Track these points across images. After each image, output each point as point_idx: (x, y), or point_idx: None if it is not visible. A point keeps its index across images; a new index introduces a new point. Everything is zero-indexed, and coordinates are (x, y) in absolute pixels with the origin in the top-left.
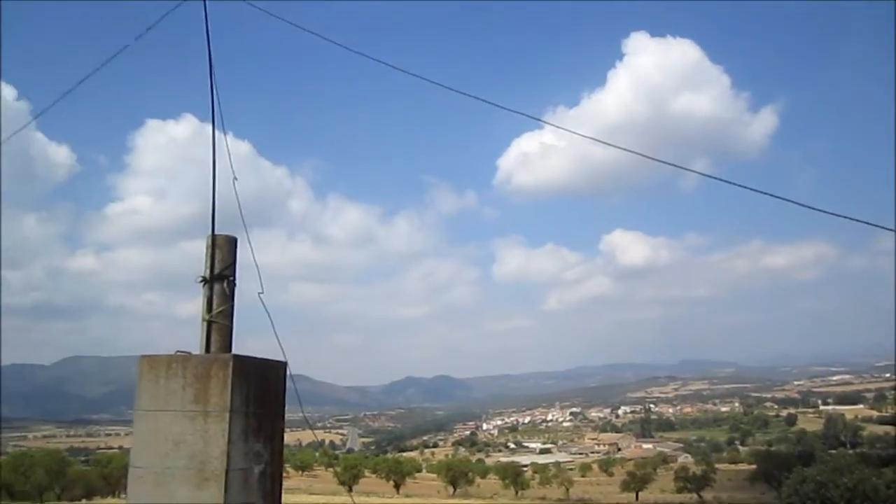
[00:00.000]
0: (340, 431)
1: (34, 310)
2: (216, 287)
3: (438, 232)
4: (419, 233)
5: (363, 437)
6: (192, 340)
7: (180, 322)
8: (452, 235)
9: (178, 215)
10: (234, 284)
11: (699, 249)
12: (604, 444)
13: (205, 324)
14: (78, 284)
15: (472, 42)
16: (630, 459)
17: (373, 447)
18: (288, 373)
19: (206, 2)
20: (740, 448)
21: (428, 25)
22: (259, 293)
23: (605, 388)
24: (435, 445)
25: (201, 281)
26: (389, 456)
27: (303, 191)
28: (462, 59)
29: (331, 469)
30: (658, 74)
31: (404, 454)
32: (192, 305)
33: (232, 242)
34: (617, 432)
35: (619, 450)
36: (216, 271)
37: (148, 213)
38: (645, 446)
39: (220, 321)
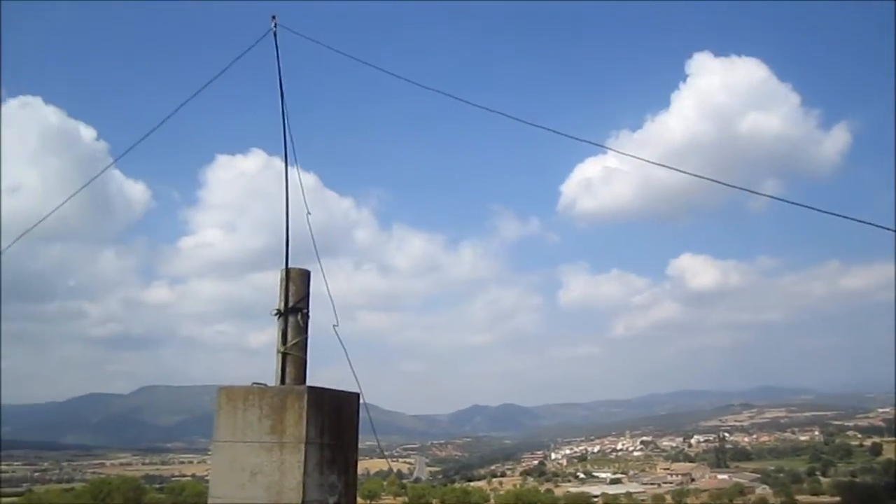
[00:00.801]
0: (407, 460)
1: (111, 341)
2: (290, 319)
3: (502, 259)
4: (483, 260)
5: (430, 466)
6: (263, 370)
7: (251, 352)
8: (516, 262)
9: (247, 248)
10: (308, 317)
11: (771, 272)
12: (677, 475)
13: (280, 356)
14: (153, 316)
15: (535, 68)
16: (705, 490)
17: (440, 476)
18: (361, 402)
19: (276, 41)
20: (822, 479)
21: (489, 52)
22: (334, 326)
23: (677, 415)
24: (503, 475)
25: (276, 314)
26: (457, 485)
27: (368, 221)
28: (524, 85)
29: (399, 498)
30: (723, 94)
31: (472, 484)
32: (262, 336)
33: (305, 276)
34: (690, 462)
35: (693, 480)
36: (290, 304)
37: (219, 246)
38: (720, 477)
39: (294, 353)
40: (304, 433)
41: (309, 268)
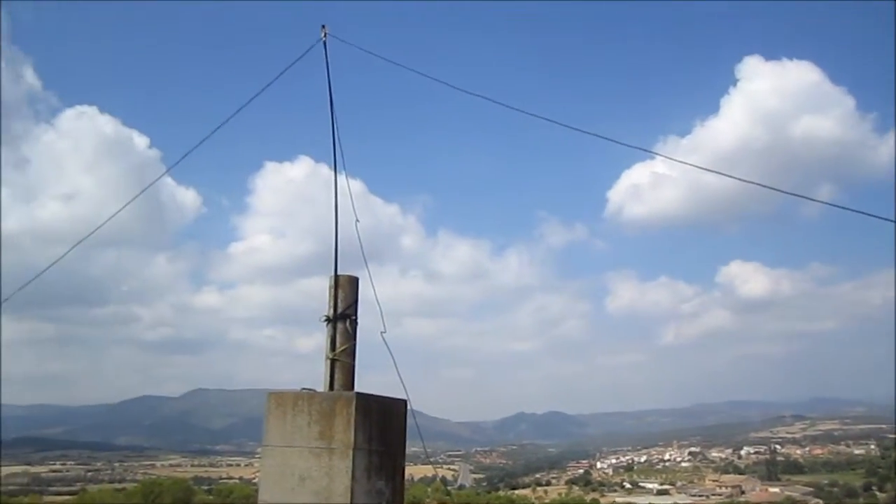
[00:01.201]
0: (451, 467)
1: (163, 344)
2: (339, 326)
3: (548, 266)
4: (529, 267)
5: (474, 473)
6: (310, 375)
7: (299, 357)
8: (562, 269)
9: (295, 253)
10: (356, 323)
11: (825, 280)
12: (726, 487)
13: (328, 362)
14: (203, 320)
15: (581, 74)
16: (756, 503)
17: (484, 483)
18: (409, 409)
19: (326, 52)
20: (878, 494)
21: (533, 57)
22: (382, 333)
23: (726, 426)
24: (548, 483)
25: (325, 320)
26: (502, 493)
27: (414, 227)
28: (570, 91)
29: None
30: (775, 99)
31: (516, 492)
32: (310, 341)
33: (354, 283)
34: (740, 474)
35: (743, 493)
36: (339, 310)
37: (267, 252)
38: (772, 490)
39: (343, 359)
40: (353, 439)
41: (356, 274)
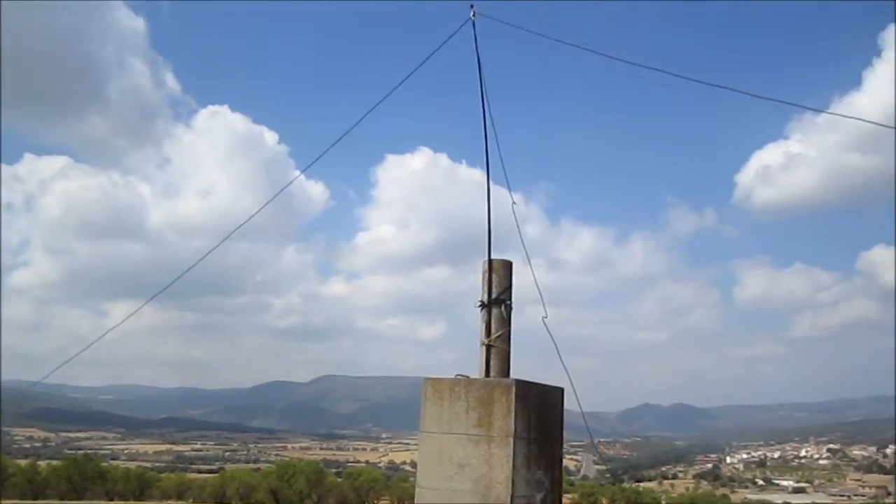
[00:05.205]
0: (574, 457)
1: (293, 332)
2: (494, 311)
3: (675, 254)
4: (655, 254)
5: (597, 464)
6: (433, 362)
7: (421, 344)
8: (690, 257)
9: (418, 242)
10: (511, 308)
11: None
12: (870, 487)
13: (484, 348)
14: (330, 308)
15: (711, 49)
16: None
17: (607, 475)
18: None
19: (475, 31)
20: None
21: (663, 34)
22: (543, 318)
23: (870, 422)
24: (674, 477)
25: (479, 305)
26: (627, 485)
27: (537, 216)
28: (699, 66)
29: (566, 496)
30: None
31: (642, 484)
32: (432, 329)
33: (507, 267)
34: (885, 474)
35: (890, 493)
36: (494, 295)
37: (390, 242)
38: None
39: (498, 345)
40: (513, 427)
41: (478, 261)
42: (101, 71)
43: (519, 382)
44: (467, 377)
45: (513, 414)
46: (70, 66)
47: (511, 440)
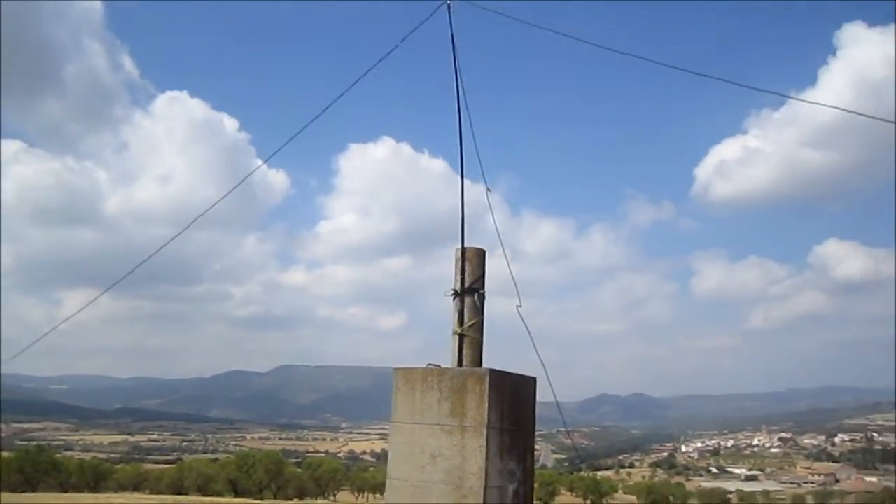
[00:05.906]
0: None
1: (252, 321)
2: (467, 300)
3: (633, 245)
4: (614, 246)
5: (556, 453)
6: (393, 352)
7: (382, 334)
8: (648, 249)
9: (379, 231)
10: (484, 297)
11: None
12: (819, 475)
13: (456, 337)
14: (291, 298)
15: (671, 44)
16: (851, 493)
17: (566, 464)
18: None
19: (450, 15)
20: None
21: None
22: (517, 307)
23: (819, 412)
24: (631, 466)
25: (452, 294)
26: (585, 474)
27: (498, 206)
28: (663, 60)
29: None
30: (882, 67)
31: (599, 473)
32: (392, 319)
33: (481, 255)
34: (833, 462)
35: (838, 481)
36: (467, 284)
37: (352, 231)
38: (868, 479)
39: (471, 334)
40: (486, 417)
41: (443, 251)
42: (58, 53)
43: (493, 372)
44: (439, 367)
45: (486, 404)
46: (24, 46)
47: (484, 430)
